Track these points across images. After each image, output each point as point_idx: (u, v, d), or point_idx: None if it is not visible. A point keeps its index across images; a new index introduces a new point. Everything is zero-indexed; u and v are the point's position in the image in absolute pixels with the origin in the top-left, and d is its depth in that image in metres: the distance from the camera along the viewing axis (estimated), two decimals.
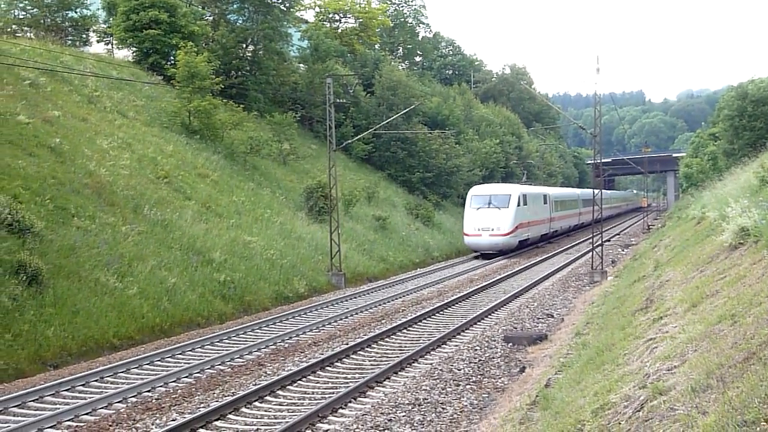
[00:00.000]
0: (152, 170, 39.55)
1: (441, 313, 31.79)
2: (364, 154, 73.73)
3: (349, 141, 58.38)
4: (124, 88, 49.69)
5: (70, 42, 58.83)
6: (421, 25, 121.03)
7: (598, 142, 47.38)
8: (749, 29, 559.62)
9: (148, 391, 19.74)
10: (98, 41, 65.21)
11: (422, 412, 17.12)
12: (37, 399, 18.93)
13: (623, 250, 59.20)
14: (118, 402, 18.72)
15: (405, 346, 25.03)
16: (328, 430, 16.21)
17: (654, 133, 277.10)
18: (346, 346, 24.21)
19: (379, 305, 34.75)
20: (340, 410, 17.61)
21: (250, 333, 28.15)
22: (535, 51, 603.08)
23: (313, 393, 19.43)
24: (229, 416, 17.28)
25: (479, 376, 20.62)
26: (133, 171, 37.69)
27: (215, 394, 19.30)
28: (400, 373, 21.34)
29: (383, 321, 30.22)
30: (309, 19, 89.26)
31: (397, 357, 22.83)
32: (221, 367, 22.62)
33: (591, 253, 44.51)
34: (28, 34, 56.60)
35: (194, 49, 50.70)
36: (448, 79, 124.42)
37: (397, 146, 75.40)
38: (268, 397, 18.86)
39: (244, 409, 17.82)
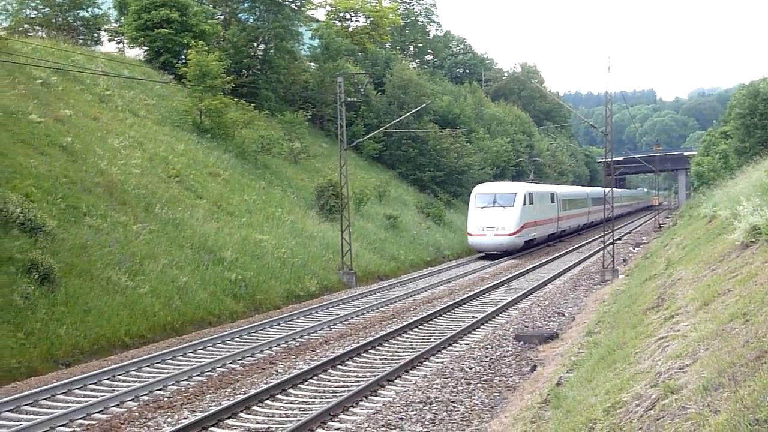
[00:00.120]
0: (163, 169, 39.60)
1: (452, 311, 31.77)
2: (375, 152, 73.73)
3: (360, 140, 58.47)
4: (135, 87, 49.76)
5: (81, 41, 58.92)
6: (432, 23, 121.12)
7: (609, 140, 47.30)
8: (761, 27, 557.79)
9: (160, 390, 19.77)
10: (109, 40, 65.33)
11: (433, 411, 17.12)
12: (49, 397, 18.98)
13: (634, 249, 59.00)
14: (130, 400, 18.76)
15: (416, 345, 25.03)
16: (339, 428, 16.22)
17: (665, 132, 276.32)
18: (357, 345, 24.21)
19: (390, 304, 34.73)
20: (352, 409, 17.61)
21: (262, 331, 28.15)
22: (546, 49, 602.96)
23: (324, 391, 19.44)
24: (241, 414, 17.30)
25: (490, 375, 20.61)
26: (144, 170, 37.75)
27: (227, 393, 19.33)
28: (411, 371, 21.33)
29: (394, 319, 30.22)
30: (320, 18, 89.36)
31: (409, 355, 22.83)
32: (233, 366, 22.63)
33: (602, 251, 44.39)
34: (40, 33, 56.67)
35: (205, 48, 50.76)
36: (459, 77, 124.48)
37: (408, 145, 75.39)
38: (279, 396, 18.88)
39: (255, 408, 17.84)
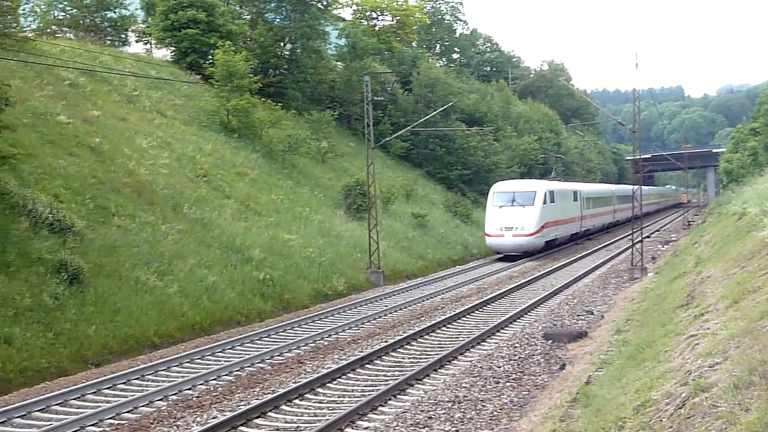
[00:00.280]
0: (191, 169, 39.74)
1: (480, 310, 31.69)
2: (402, 151, 73.67)
3: (387, 139, 58.33)
4: (162, 87, 49.95)
5: (109, 42, 59.24)
6: (458, 22, 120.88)
7: (637, 138, 47.17)
8: None
9: (189, 389, 19.82)
10: (137, 41, 65.65)
11: (462, 410, 17.08)
12: (78, 397, 19.06)
13: (663, 247, 58.59)
14: (159, 400, 18.81)
15: (444, 344, 24.98)
16: (368, 427, 16.21)
17: (693, 129, 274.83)
18: (386, 344, 24.20)
19: (418, 303, 34.69)
20: (380, 408, 17.59)
21: (290, 331, 28.17)
22: (573, 47, 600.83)
23: (352, 391, 19.43)
24: (270, 414, 17.32)
25: (519, 374, 20.55)
26: (172, 170, 37.89)
27: (255, 392, 19.36)
28: (439, 370, 21.29)
29: (422, 318, 30.16)
30: (346, 17, 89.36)
31: (437, 354, 22.79)
32: (261, 365, 22.65)
33: (630, 249, 44.18)
34: (68, 34, 57.00)
35: (232, 48, 50.91)
36: (485, 75, 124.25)
37: (435, 143, 75.28)
38: (308, 395, 18.88)
39: (284, 407, 17.85)
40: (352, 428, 16.25)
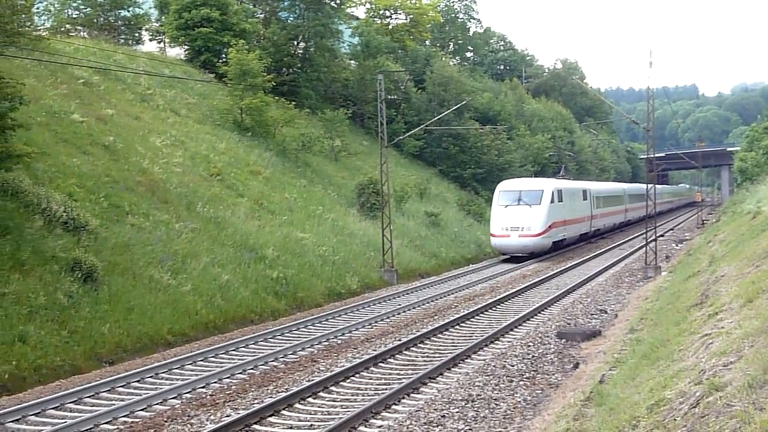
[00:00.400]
0: (205, 167, 39.81)
1: (493, 309, 31.63)
2: (416, 150, 73.62)
3: (401, 137, 58.39)
4: (176, 86, 50.08)
5: (122, 41, 59.44)
6: (472, 20, 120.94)
7: (651, 136, 47.02)
8: None
9: (203, 387, 19.85)
10: (150, 40, 65.87)
11: (475, 408, 17.06)
12: (92, 395, 19.10)
13: (677, 246, 58.30)
14: (173, 398, 18.85)
15: (458, 342, 24.95)
16: (381, 426, 16.20)
17: (708, 128, 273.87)
18: (399, 343, 24.16)
19: (432, 301, 34.68)
20: (394, 406, 17.58)
21: (303, 329, 28.19)
22: (587, 45, 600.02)
23: (366, 389, 19.42)
24: (283, 412, 17.33)
25: (532, 372, 20.51)
26: (185, 168, 37.96)
27: (269, 390, 19.36)
28: (453, 369, 21.26)
29: (436, 317, 30.12)
30: (360, 16, 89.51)
31: (450, 353, 22.75)
32: (275, 364, 22.67)
33: (644, 248, 44.05)
34: (82, 33, 57.20)
35: (246, 46, 50.97)
36: (499, 74, 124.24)
37: (448, 142, 75.17)
38: (321, 393, 18.88)
39: (297, 405, 17.85)
40: (366, 426, 16.24)
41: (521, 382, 19.44)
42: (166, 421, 16.92)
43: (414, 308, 32.75)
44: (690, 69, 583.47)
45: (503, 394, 18.32)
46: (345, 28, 77.42)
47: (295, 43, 65.89)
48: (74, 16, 59.06)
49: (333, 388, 19.37)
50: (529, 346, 23.71)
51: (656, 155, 58.09)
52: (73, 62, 39.80)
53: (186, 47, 59.06)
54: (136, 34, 63.00)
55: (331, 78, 68.98)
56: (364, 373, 20.97)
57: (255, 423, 16.45)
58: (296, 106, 55.45)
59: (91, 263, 24.93)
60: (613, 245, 61.78)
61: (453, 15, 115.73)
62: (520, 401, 17.74)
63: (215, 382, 20.37)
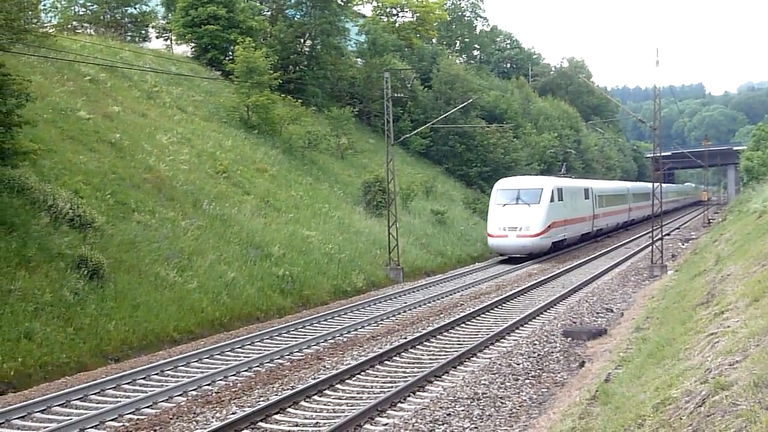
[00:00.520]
0: (211, 165, 39.82)
1: (499, 307, 31.60)
2: (422, 148, 73.65)
3: (407, 135, 58.43)
4: (183, 83, 50.14)
5: (129, 38, 59.51)
6: (478, 18, 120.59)
7: (658, 135, 46.98)
8: None
9: (208, 385, 19.86)
10: (157, 37, 65.99)
11: (481, 407, 17.04)
12: (98, 392, 19.12)
13: (683, 245, 58.19)
14: (179, 395, 18.85)
15: (463, 341, 24.93)
16: (387, 424, 16.18)
17: (714, 126, 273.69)
18: (405, 341, 24.15)
19: (438, 299, 34.66)
20: (399, 404, 17.57)
21: (309, 327, 28.19)
22: (593, 44, 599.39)
23: (372, 387, 19.41)
24: (289, 410, 17.32)
25: (538, 371, 20.49)
26: (192, 166, 37.98)
27: (275, 388, 19.35)
28: (458, 367, 21.24)
29: (441, 315, 30.10)
30: (366, 14, 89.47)
31: (456, 351, 22.73)
32: (280, 361, 22.67)
33: (650, 247, 43.97)
34: (89, 30, 57.26)
35: (252, 44, 50.94)
36: (505, 72, 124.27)
37: (454, 140, 75.18)
38: (327, 391, 18.88)
39: (303, 403, 17.85)
40: (371, 424, 16.23)
41: (527, 381, 19.42)
42: (171, 419, 16.92)
43: (420, 306, 32.75)
44: (696, 68, 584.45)
45: (509, 392, 18.30)
46: (352, 25, 77.42)
47: (302, 40, 65.88)
48: (81, 13, 59.09)
49: (339, 386, 19.36)
50: (534, 344, 23.69)
51: (662, 154, 57.90)
52: (80, 59, 39.82)
53: (193, 44, 59.14)
54: (143, 32, 63.07)
55: (338, 76, 69.05)
56: (369, 371, 20.95)
57: (261, 420, 16.44)
58: (303, 103, 55.55)
59: (97, 260, 24.95)
60: (619, 244, 61.64)
61: (460, 13, 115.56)
62: (525, 400, 17.72)
63: (221, 380, 20.39)
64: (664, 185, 56.58)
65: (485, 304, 31.41)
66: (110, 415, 17.00)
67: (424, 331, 25.62)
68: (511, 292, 34.68)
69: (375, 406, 16.87)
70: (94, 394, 18.98)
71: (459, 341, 24.95)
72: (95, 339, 22.76)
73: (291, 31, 64.05)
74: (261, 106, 49.25)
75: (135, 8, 60.82)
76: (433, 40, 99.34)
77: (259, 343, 25.26)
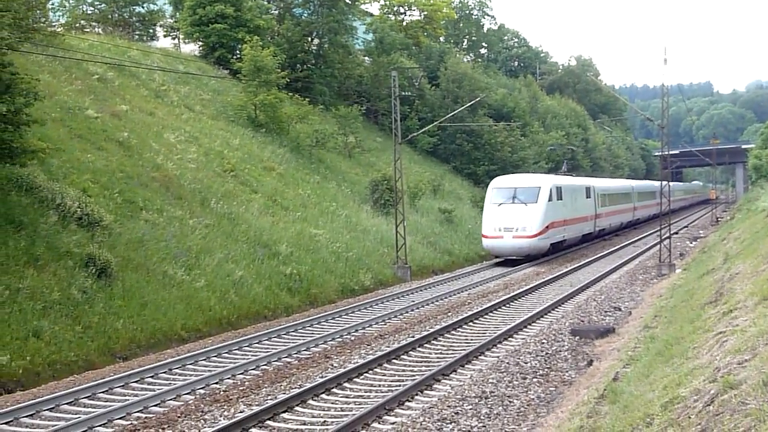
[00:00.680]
0: (219, 164, 39.84)
1: (507, 305, 31.57)
2: (430, 146, 73.62)
3: (415, 134, 58.38)
4: (190, 82, 50.17)
5: (137, 37, 59.59)
6: (486, 17, 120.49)
7: (666, 133, 46.92)
8: None
9: (216, 383, 19.88)
10: (165, 36, 66.14)
11: (489, 405, 17.04)
12: (106, 390, 19.16)
13: (691, 243, 58.03)
14: (187, 393, 18.88)
15: (471, 339, 24.92)
16: (395, 422, 16.18)
17: (722, 125, 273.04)
18: (413, 339, 24.14)
19: (445, 298, 34.65)
20: (407, 403, 17.57)
21: (317, 325, 28.22)
22: (601, 42, 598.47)
23: (379, 385, 19.41)
24: (297, 408, 17.33)
25: (546, 370, 20.48)
26: (199, 164, 38.01)
27: (282, 386, 19.37)
28: (466, 365, 21.23)
29: (449, 314, 30.08)
30: (374, 12, 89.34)
31: (464, 350, 22.71)
32: (288, 360, 22.70)
33: (659, 246, 43.89)
34: (96, 29, 57.36)
35: (260, 43, 50.95)
36: (513, 71, 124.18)
37: (462, 139, 75.12)
38: (335, 390, 18.88)
39: (311, 401, 17.85)
40: (379, 423, 16.22)
41: (535, 379, 19.42)
42: (179, 417, 16.95)
43: (427, 305, 32.74)
44: (705, 66, 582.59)
45: (517, 391, 18.30)
46: (359, 24, 77.34)
47: (309, 39, 65.94)
48: (89, 12, 59.19)
49: (346, 385, 19.37)
50: (542, 343, 23.67)
51: (671, 152, 57.79)
52: (88, 58, 39.89)
53: (200, 43, 59.20)
54: (151, 31, 63.18)
55: (345, 74, 69.03)
56: (377, 370, 20.95)
57: (268, 419, 16.46)
58: (310, 102, 55.46)
59: (105, 259, 25.00)
60: (627, 242, 61.42)
61: (467, 11, 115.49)
62: (533, 398, 17.72)
63: (229, 378, 20.41)
64: (671, 183, 56.19)
65: (493, 302, 31.37)
66: (118, 414, 17.04)
67: (432, 330, 25.62)
68: (518, 291, 34.65)
69: (383, 404, 16.87)
70: (103, 392, 19.02)
71: (467, 340, 24.94)
72: (103, 337, 22.82)
73: (298, 29, 64.10)
74: (268, 104, 49.27)
75: (143, 7, 60.93)
76: (441, 39, 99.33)
77: (266, 342, 25.29)
